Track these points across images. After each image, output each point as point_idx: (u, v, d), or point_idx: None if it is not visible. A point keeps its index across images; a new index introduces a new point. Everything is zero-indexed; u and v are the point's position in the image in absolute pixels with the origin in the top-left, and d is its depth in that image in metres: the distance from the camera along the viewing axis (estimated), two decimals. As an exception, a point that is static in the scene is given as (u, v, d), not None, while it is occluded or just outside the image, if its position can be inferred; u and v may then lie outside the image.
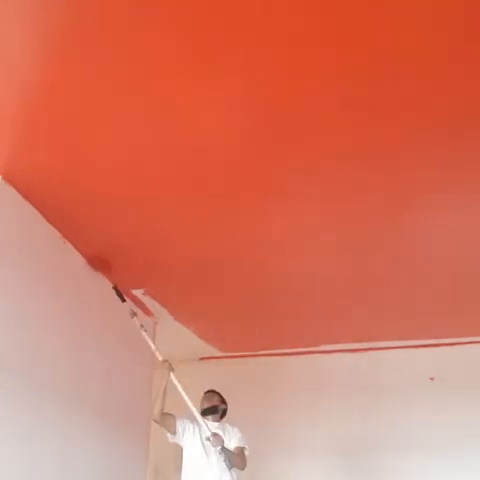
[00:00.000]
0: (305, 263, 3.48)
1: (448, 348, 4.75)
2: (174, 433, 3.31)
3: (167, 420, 3.30)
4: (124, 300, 3.58)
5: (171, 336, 4.32)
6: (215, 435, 3.16)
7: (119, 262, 3.46)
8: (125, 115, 2.20)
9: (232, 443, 3.29)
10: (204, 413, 3.36)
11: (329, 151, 2.41)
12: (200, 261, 3.42)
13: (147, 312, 4.25)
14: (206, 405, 3.41)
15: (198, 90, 2.06)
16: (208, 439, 3.18)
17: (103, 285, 3.63)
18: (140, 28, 1.80)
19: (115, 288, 3.57)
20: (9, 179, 2.62)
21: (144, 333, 3.47)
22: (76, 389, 3.17)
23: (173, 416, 3.32)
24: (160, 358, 3.41)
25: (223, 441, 3.16)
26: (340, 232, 3.08)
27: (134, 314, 3.53)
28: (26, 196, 2.75)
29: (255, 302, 4.05)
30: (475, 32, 1.80)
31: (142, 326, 3.47)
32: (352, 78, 1.99)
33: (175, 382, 3.34)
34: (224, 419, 3.50)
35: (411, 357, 4.88)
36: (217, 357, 5.22)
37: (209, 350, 5.09)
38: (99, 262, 3.46)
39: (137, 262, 3.47)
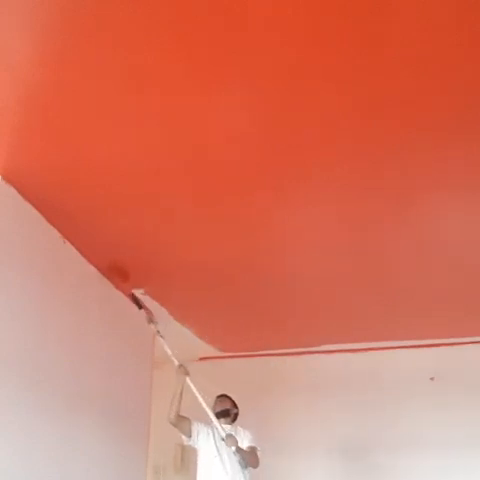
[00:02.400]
0: (305, 263, 3.48)
1: (448, 348, 4.76)
2: (189, 436, 3.45)
3: (183, 423, 3.42)
4: (141, 307, 3.65)
5: (171, 336, 4.31)
6: (229, 436, 3.28)
7: (119, 262, 3.46)
8: (125, 115, 2.20)
9: (244, 443, 3.43)
10: (217, 416, 3.46)
11: (330, 152, 2.41)
12: (200, 261, 3.42)
13: (147, 312, 4.24)
14: (218, 409, 3.54)
15: (200, 89, 2.06)
16: (223, 440, 3.30)
17: (103, 285, 3.64)
18: (140, 28, 1.80)
19: (132, 295, 3.66)
20: (9, 179, 2.62)
21: (161, 339, 3.55)
22: (76, 389, 3.17)
23: (188, 419, 3.46)
24: (176, 363, 3.48)
25: (237, 441, 3.29)
26: (340, 232, 3.08)
27: (151, 321, 3.64)
28: (26, 196, 2.74)
29: (255, 302, 4.06)
30: (475, 32, 1.80)
31: (158, 332, 3.57)
32: (353, 78, 1.99)
33: (191, 386, 3.42)
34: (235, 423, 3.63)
35: (411, 357, 4.88)
36: (217, 357, 5.22)
37: (209, 350, 5.10)
38: (117, 271, 3.50)
39: (137, 262, 3.47)
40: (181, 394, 3.37)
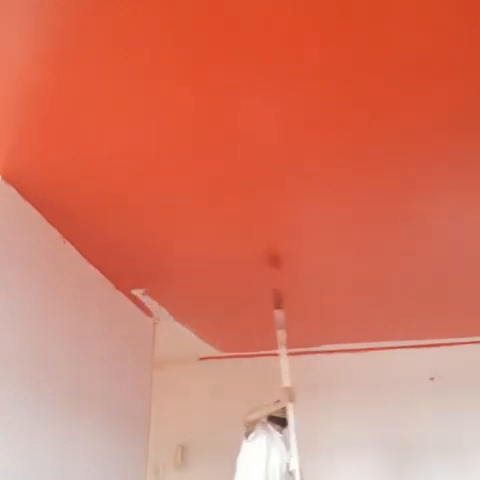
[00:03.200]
0: (305, 263, 3.48)
1: (448, 348, 4.76)
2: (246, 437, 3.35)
3: (251, 429, 3.33)
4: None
5: (171, 336, 4.33)
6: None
7: (119, 262, 3.46)
8: (126, 115, 2.20)
9: (292, 464, 3.29)
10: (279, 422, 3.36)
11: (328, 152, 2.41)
12: (200, 261, 3.42)
13: (147, 312, 4.25)
14: (280, 414, 3.37)
15: (200, 90, 2.06)
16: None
17: (103, 285, 3.64)
18: (140, 28, 1.80)
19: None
20: (9, 179, 2.62)
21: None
22: (76, 389, 3.17)
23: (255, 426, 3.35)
24: (286, 385, 3.31)
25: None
26: (340, 232, 3.08)
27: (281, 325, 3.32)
28: (26, 196, 2.74)
29: (255, 302, 4.05)
30: (475, 32, 1.80)
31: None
32: (353, 78, 1.99)
33: (290, 414, 3.24)
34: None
35: (411, 357, 4.88)
36: (217, 357, 5.23)
37: (209, 350, 5.10)
38: (270, 258, 3.31)
39: (137, 262, 3.47)
40: (270, 412, 3.27)
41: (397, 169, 2.52)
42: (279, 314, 3.33)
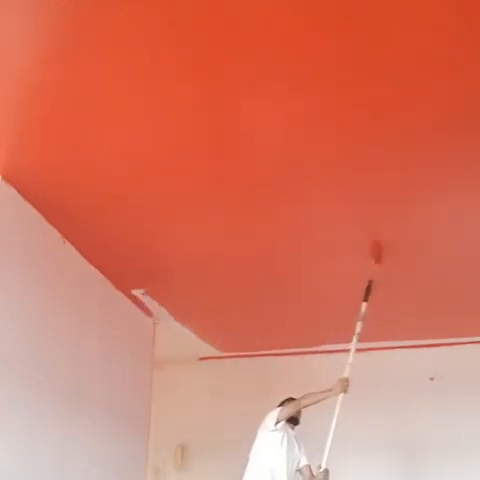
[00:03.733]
0: (305, 263, 3.48)
1: (448, 348, 4.75)
2: (276, 424, 3.29)
3: (296, 413, 3.33)
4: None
5: (171, 336, 4.32)
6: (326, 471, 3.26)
7: (119, 262, 3.46)
8: (126, 115, 2.20)
9: (302, 460, 3.36)
10: (292, 421, 3.36)
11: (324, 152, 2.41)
12: (200, 261, 3.42)
13: (147, 312, 4.25)
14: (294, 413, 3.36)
15: (200, 89, 2.06)
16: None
17: (103, 285, 3.64)
18: (140, 28, 1.80)
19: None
20: (9, 179, 2.62)
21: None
22: (76, 389, 3.17)
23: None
24: (345, 375, 3.37)
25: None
26: (340, 232, 3.08)
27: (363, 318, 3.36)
28: (26, 196, 2.74)
29: (255, 302, 4.05)
30: (475, 32, 1.80)
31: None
32: (353, 78, 1.99)
33: (338, 406, 3.29)
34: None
35: (411, 357, 4.88)
36: (217, 357, 5.22)
37: (209, 350, 5.09)
38: (374, 248, 3.27)
39: (137, 262, 3.47)
40: (321, 400, 3.27)
41: (397, 169, 2.52)
42: (364, 307, 3.36)
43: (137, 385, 4.03)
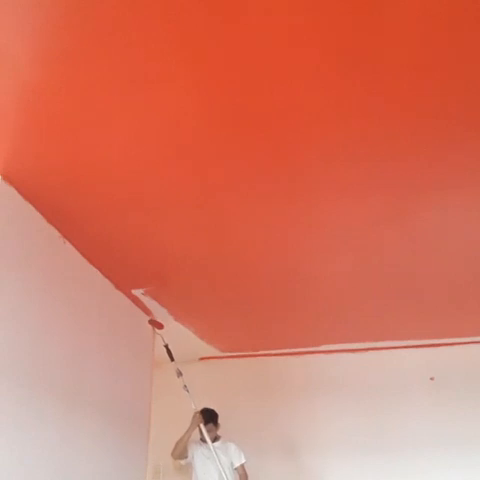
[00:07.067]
0: (306, 263, 3.48)
1: (448, 348, 4.77)
2: (186, 457, 4.17)
3: (183, 455, 4.15)
4: (173, 359, 4.05)
5: (171, 336, 4.33)
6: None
7: (119, 262, 3.46)
8: (126, 116, 2.20)
9: (235, 462, 4.01)
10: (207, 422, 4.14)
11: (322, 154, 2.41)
12: (200, 261, 3.42)
13: (147, 312, 4.25)
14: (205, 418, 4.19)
15: (200, 90, 2.06)
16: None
17: (103, 285, 3.64)
18: (140, 28, 1.80)
19: (166, 347, 4.08)
20: (9, 179, 2.62)
21: (186, 393, 4.02)
22: (76, 389, 3.17)
23: (186, 450, 4.14)
24: (194, 409, 4.08)
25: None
26: (341, 232, 3.08)
27: (180, 374, 4.09)
28: (26, 196, 2.75)
29: (255, 302, 4.06)
30: (475, 32, 1.80)
31: (185, 387, 4.03)
32: (352, 78, 1.99)
33: (204, 431, 4.04)
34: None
35: (411, 357, 4.89)
36: (217, 357, 5.23)
37: (209, 350, 5.10)
38: (155, 322, 4.24)
39: (137, 262, 3.47)
40: (189, 437, 4.07)
41: (398, 169, 2.52)
42: (176, 366, 4.25)
43: (137, 385, 4.03)
